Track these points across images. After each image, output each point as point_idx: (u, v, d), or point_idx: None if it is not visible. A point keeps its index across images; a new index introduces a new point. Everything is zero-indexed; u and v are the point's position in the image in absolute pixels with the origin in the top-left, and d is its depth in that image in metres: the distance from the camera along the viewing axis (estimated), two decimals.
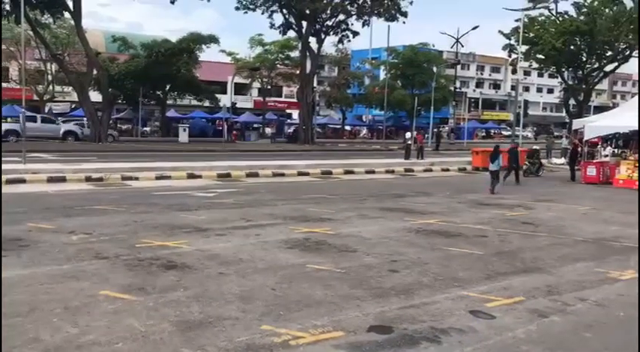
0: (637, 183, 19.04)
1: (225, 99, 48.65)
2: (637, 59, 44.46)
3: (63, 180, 16.27)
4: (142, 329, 5.04)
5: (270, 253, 8.05)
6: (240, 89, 60.82)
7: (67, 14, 36.19)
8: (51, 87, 48.15)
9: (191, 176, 18.25)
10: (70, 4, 34.03)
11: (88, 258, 7.49)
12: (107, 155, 25.78)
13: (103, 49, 49.38)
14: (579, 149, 22.63)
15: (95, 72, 37.47)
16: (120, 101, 46.25)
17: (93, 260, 7.39)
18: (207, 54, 48.16)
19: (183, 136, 41.27)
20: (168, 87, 46.29)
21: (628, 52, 44.03)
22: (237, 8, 42.14)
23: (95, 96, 39.17)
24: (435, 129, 48.03)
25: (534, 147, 24.97)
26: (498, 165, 17.09)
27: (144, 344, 4.76)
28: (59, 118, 42.02)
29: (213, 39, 44.88)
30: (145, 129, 48.22)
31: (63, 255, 7.56)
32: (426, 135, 43.96)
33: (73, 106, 50.71)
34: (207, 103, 51.26)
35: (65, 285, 6.25)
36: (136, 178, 17.24)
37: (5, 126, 35.80)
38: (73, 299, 5.78)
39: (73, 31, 39.25)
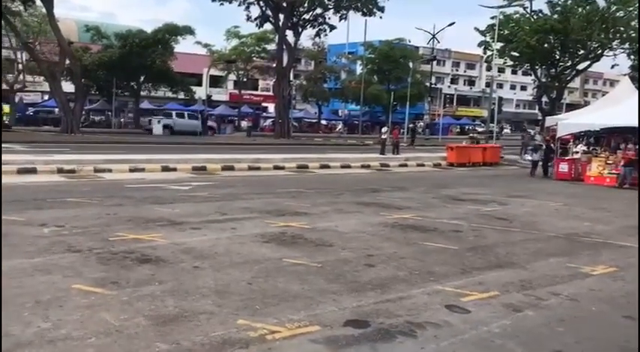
0: (607, 179, 19.43)
1: (200, 92, 48.28)
2: (609, 58, 45.34)
3: (34, 171, 15.95)
4: (116, 324, 4.96)
5: (246, 247, 8.00)
6: (216, 82, 60.32)
7: (38, 2, 35.41)
8: (22, 76, 47.11)
9: (166, 169, 18.05)
10: None
11: (60, 251, 7.35)
12: (80, 146, 25.33)
13: (76, 39, 48.45)
14: (552, 146, 22.95)
15: (67, 62, 36.77)
16: (93, 92, 45.50)
17: (65, 253, 7.25)
18: (183, 45, 47.69)
19: (158, 128, 40.80)
20: (142, 78, 45.69)
21: (600, 51, 44.83)
22: (212, 0, 41.74)
23: (67, 86, 38.44)
24: (411, 125, 48.34)
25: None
26: (540, 156, 21.94)
27: (117, 339, 4.69)
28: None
29: (188, 30, 44.41)
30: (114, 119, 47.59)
31: (34, 248, 7.40)
32: (402, 131, 44.20)
33: (46, 97, 49.75)
34: (182, 95, 50.72)
35: (36, 279, 6.12)
36: (109, 170, 17.00)
37: (163, 122, 40.58)
38: (44, 292, 5.66)
39: (44, 19, 38.41)
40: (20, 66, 46.48)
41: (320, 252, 7.95)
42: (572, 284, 6.96)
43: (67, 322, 4.95)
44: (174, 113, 43.17)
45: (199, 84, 52.02)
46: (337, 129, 64.94)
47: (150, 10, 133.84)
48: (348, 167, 22.23)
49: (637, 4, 38.02)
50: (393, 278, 6.76)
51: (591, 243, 9.52)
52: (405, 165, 24.37)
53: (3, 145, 20.43)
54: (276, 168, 20.38)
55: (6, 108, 44.00)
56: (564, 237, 9.89)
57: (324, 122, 66.98)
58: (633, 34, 43.05)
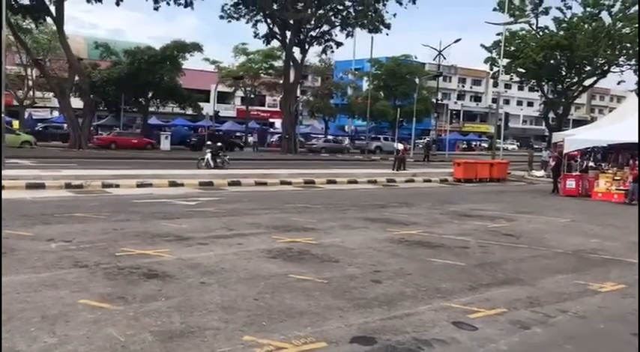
0: (615, 195, 19.32)
1: (208, 108, 48.48)
2: (615, 75, 45.34)
3: (42, 186, 16.03)
4: (122, 339, 4.96)
5: (253, 263, 7.99)
6: (224, 98, 60.68)
7: (49, 19, 35.88)
8: (31, 92, 47.57)
9: (173, 184, 18.11)
10: (53, 10, 33.78)
11: (67, 266, 7.37)
12: (87, 162, 25.49)
13: (85, 55, 49.00)
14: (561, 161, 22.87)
15: (77, 78, 37.13)
16: (101, 108, 45.83)
17: (72, 268, 7.27)
18: (191, 62, 48.05)
19: (165, 144, 41.02)
20: (150, 94, 46.02)
21: (606, 67, 44.86)
22: (221, 17, 42.25)
23: (76, 102, 38.79)
24: (425, 140, 48.23)
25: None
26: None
27: None
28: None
29: (196, 47, 44.79)
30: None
31: (41, 263, 7.43)
32: (408, 147, 44.20)
33: (55, 113, 50.19)
34: (189, 111, 51.03)
35: (43, 294, 6.13)
36: (117, 185, 17.06)
37: (375, 144, 48.45)
38: (51, 308, 5.67)
39: (54, 36, 38.93)
40: (30, 82, 46.99)
41: (326, 267, 7.93)
42: (581, 301, 6.90)
43: (74, 337, 4.95)
44: (382, 137, 55.91)
45: (207, 100, 52.30)
46: (344, 145, 64.98)
47: (159, 27, 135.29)
48: (355, 182, 22.22)
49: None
50: (400, 295, 6.73)
51: (599, 260, 9.45)
52: (412, 181, 24.35)
53: (11, 161, 20.63)
54: (283, 183, 20.41)
55: (15, 123, 44.41)
56: (572, 254, 9.83)
57: (330, 137, 67.07)
58: None
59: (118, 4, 34.89)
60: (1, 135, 21.48)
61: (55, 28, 36.39)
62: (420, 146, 48.59)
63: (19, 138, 36.03)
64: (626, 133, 19.61)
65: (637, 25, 40.97)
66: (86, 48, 52.71)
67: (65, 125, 39.48)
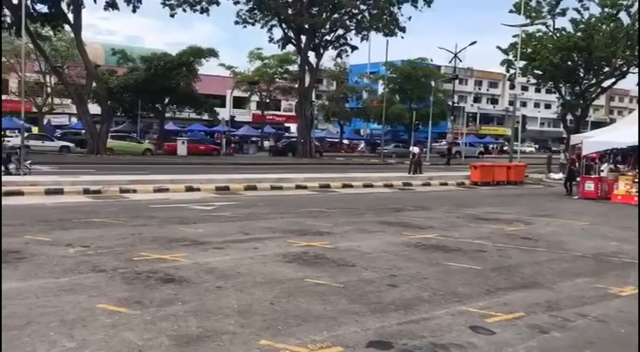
0: (636, 198, 19.05)
1: (224, 113, 48.80)
2: (635, 75, 44.73)
3: (61, 192, 16.22)
4: (139, 343, 4.99)
5: (269, 267, 8.01)
6: (239, 103, 61.00)
7: (67, 27, 36.35)
8: (50, 99, 48.20)
9: (189, 189, 18.21)
10: (71, 17, 34.23)
11: (85, 270, 7.44)
12: (105, 167, 25.73)
13: (103, 62, 49.57)
14: (577, 164, 22.62)
15: (94, 84, 37.56)
16: (118, 113, 46.31)
17: (90, 273, 7.34)
18: (207, 67, 48.45)
19: (182, 149, 41.29)
20: (167, 100, 46.41)
21: (625, 68, 44.23)
22: (236, 22, 42.45)
23: (94, 108, 39.22)
24: (446, 144, 47.95)
25: None
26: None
27: None
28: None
29: (212, 53, 45.13)
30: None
31: (60, 268, 7.51)
32: (424, 149, 44.02)
33: (73, 119, 50.78)
34: (206, 116, 51.35)
35: (62, 298, 6.20)
36: (134, 191, 17.20)
37: (455, 149, 47.81)
38: (69, 312, 5.73)
39: (72, 43, 39.44)
40: (49, 89, 47.62)
41: (342, 272, 7.91)
42: (600, 305, 6.81)
43: (92, 342, 4.99)
44: (460, 141, 55.26)
45: (223, 105, 52.60)
46: (359, 149, 64.94)
47: (175, 34, 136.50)
48: (371, 186, 22.15)
49: None
50: (417, 299, 6.69)
51: (619, 263, 9.32)
52: (428, 185, 24.21)
53: (34, 166, 20.91)
54: (299, 187, 20.41)
55: (35, 129, 45.05)
56: (591, 257, 9.71)
57: (346, 141, 67.07)
58: None
59: (134, 11, 35.32)
60: (0, 139, 21.91)
61: (73, 35, 36.83)
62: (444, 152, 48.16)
63: (142, 146, 38.63)
64: None
65: None
66: (103, 54, 53.32)
67: (83, 131, 39.88)
